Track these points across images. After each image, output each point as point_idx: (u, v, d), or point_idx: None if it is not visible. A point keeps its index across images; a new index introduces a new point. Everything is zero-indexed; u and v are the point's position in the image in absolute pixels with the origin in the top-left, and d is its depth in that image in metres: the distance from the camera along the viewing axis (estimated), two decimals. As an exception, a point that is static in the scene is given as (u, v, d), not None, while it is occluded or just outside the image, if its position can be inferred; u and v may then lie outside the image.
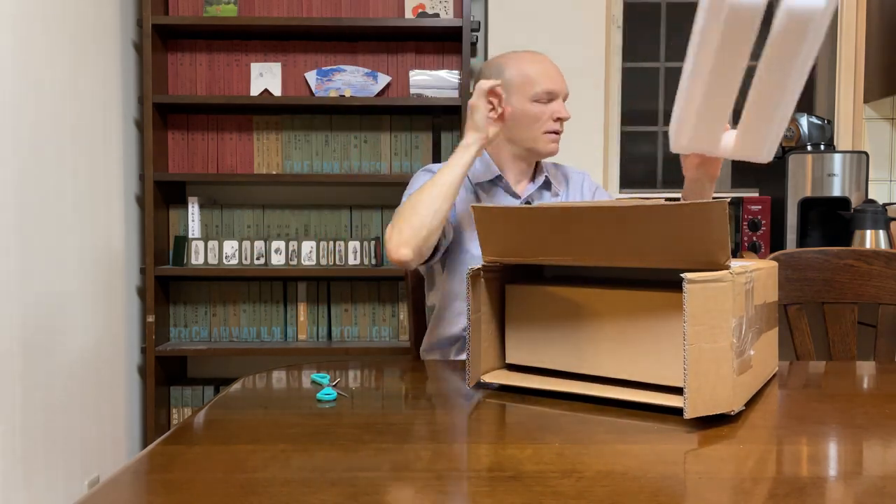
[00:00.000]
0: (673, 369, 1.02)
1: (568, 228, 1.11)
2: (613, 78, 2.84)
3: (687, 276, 0.94)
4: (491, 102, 1.50)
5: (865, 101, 2.75)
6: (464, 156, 1.49)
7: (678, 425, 0.95)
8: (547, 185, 1.71)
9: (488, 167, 1.67)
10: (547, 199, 1.71)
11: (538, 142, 1.62)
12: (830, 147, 2.55)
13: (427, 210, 1.44)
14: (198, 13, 2.60)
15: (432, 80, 2.64)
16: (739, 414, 1.00)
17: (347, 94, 2.60)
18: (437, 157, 2.65)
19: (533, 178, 1.71)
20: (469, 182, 1.66)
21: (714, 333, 0.95)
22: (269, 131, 2.67)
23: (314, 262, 2.59)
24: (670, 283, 1.02)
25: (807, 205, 2.50)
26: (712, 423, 0.96)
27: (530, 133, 1.62)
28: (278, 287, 2.67)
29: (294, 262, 2.60)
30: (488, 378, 1.17)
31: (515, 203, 1.66)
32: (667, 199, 1.37)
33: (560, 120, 1.63)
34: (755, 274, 1.06)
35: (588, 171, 1.89)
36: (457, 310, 1.63)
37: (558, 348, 1.14)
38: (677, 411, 0.96)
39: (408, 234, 1.44)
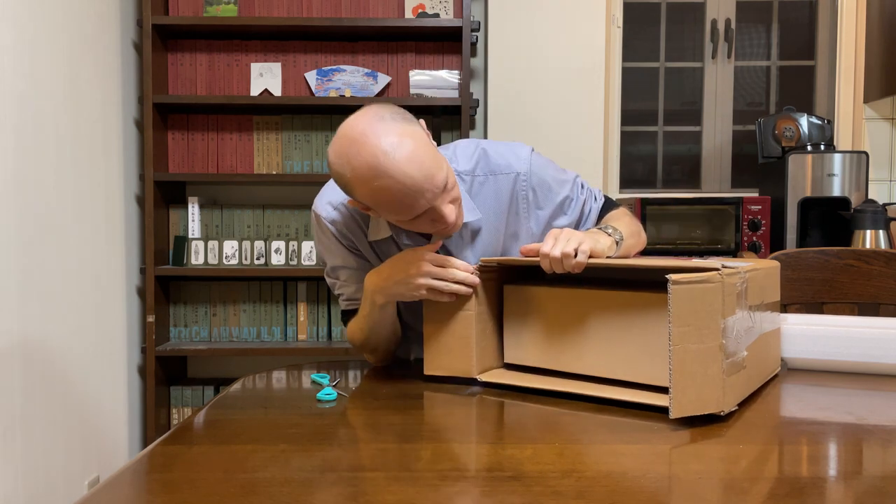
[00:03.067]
0: (665, 370, 1.02)
1: None
2: (613, 78, 2.84)
3: (672, 276, 0.93)
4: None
5: (865, 101, 2.75)
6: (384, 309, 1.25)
7: (678, 426, 0.95)
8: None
9: (379, 222, 1.27)
10: (466, 233, 1.28)
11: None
12: (830, 147, 2.55)
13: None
14: (198, 13, 2.60)
15: (432, 81, 2.64)
16: (740, 414, 1.00)
17: (347, 94, 2.60)
18: (437, 157, 2.65)
19: None
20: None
21: (702, 334, 0.94)
22: (269, 131, 2.67)
23: (314, 262, 2.59)
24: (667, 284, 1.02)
25: (807, 205, 2.50)
26: (712, 424, 0.96)
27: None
28: (278, 287, 2.67)
29: (294, 262, 2.59)
30: (487, 378, 1.17)
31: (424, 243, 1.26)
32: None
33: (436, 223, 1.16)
34: (749, 275, 1.05)
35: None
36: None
37: (555, 348, 1.14)
38: (666, 410, 0.95)
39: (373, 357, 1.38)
